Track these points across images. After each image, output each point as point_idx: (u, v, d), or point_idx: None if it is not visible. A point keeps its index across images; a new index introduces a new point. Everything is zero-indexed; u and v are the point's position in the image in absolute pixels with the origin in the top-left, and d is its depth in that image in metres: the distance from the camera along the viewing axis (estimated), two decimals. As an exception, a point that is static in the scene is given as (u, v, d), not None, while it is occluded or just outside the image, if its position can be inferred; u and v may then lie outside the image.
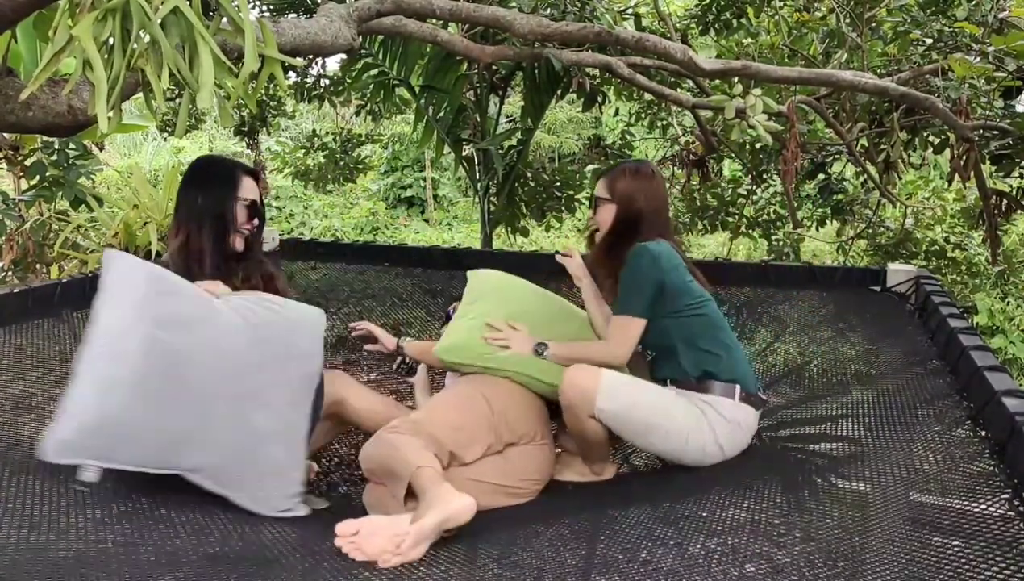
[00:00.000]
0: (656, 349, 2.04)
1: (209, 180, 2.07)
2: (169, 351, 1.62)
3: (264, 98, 5.63)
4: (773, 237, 5.24)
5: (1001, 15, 3.43)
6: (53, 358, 2.37)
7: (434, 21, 3.00)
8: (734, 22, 4.48)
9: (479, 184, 4.87)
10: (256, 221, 2.14)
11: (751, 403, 1.94)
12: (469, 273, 2.39)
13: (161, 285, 1.68)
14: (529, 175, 5.08)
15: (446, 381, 2.50)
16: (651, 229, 2.05)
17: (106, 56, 1.27)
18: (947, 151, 3.74)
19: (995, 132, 3.32)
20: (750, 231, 5.29)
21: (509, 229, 5.02)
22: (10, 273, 3.77)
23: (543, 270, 3.24)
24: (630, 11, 4.67)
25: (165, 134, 6.72)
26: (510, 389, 2.06)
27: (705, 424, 1.87)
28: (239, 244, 2.10)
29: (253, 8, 4.21)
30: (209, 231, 2.02)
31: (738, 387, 1.92)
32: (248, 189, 2.12)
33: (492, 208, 4.88)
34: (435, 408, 1.96)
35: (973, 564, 1.15)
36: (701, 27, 4.53)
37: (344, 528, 1.45)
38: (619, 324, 1.99)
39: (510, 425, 1.95)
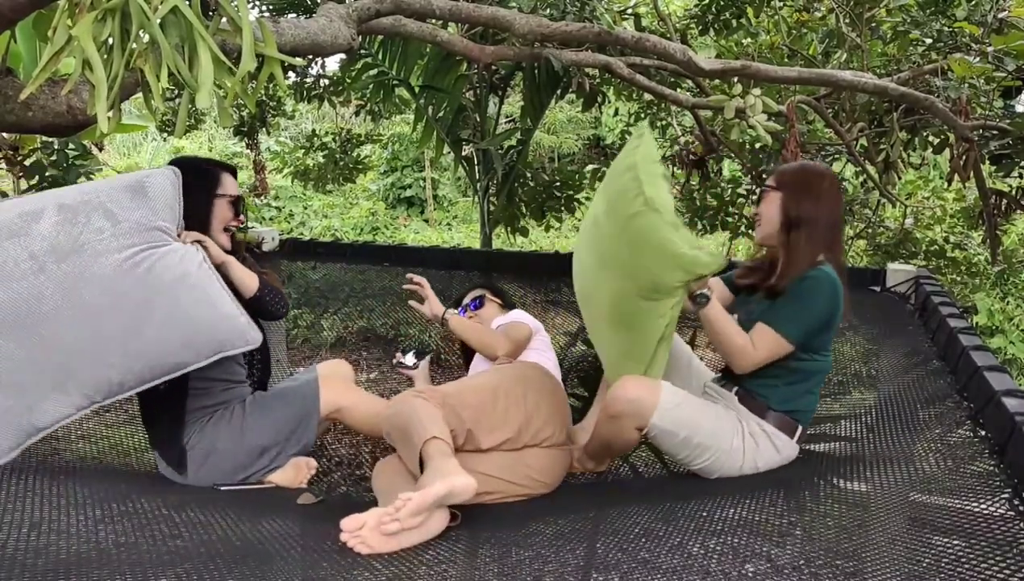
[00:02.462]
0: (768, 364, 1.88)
1: (190, 182, 2.00)
2: None
3: (263, 98, 5.62)
4: (773, 237, 5.22)
5: (1001, 15, 3.43)
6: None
7: (434, 21, 3.00)
8: (734, 22, 4.48)
9: (479, 184, 4.87)
10: (242, 217, 2.12)
11: (800, 440, 1.93)
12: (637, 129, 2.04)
13: None
14: (529, 175, 5.08)
15: (471, 370, 2.47)
16: (818, 238, 1.88)
17: (105, 56, 1.27)
18: (947, 151, 3.73)
19: (995, 132, 3.32)
20: (750, 231, 5.28)
21: (509, 229, 5.02)
22: (10, 273, 3.76)
23: (543, 270, 3.25)
24: (630, 11, 4.66)
25: (164, 134, 6.72)
26: (551, 388, 2.06)
27: (751, 447, 1.85)
28: (226, 242, 2.08)
29: (253, 8, 4.21)
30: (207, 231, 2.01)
31: (800, 428, 1.90)
32: (230, 186, 2.11)
33: (492, 208, 4.88)
34: (468, 385, 1.95)
35: (973, 564, 1.15)
36: (701, 27, 4.53)
37: (349, 523, 1.45)
38: (771, 339, 1.83)
39: (536, 425, 1.94)
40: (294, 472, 2.07)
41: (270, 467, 2.06)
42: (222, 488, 1.98)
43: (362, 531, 1.43)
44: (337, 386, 2.15)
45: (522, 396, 1.94)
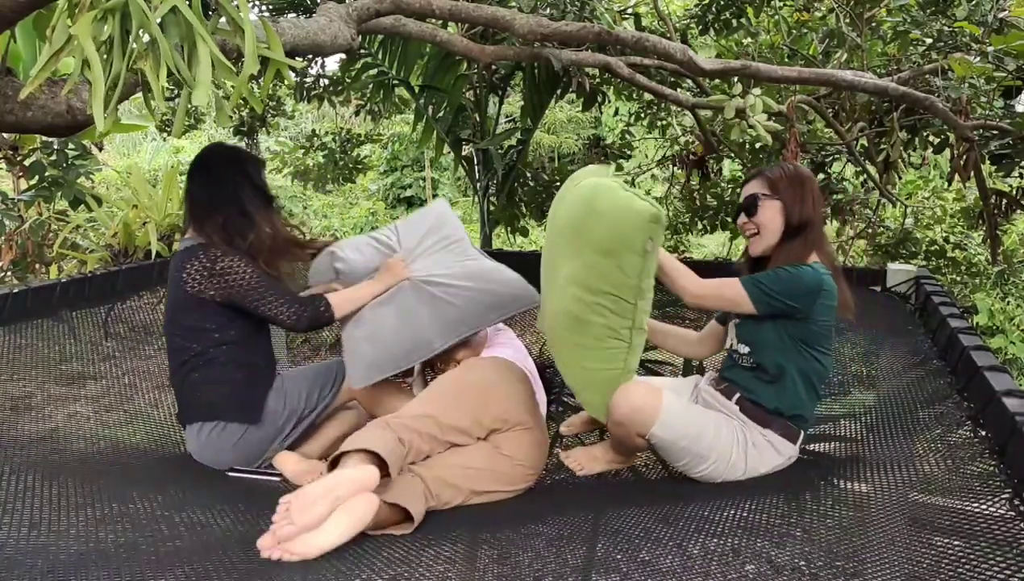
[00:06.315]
0: (764, 365, 1.87)
1: (252, 165, 2.07)
2: None
3: (263, 98, 5.63)
4: (773, 237, 5.21)
5: (1001, 15, 3.42)
6: (52, 358, 2.37)
7: (434, 21, 3.00)
8: (734, 22, 4.47)
9: (479, 184, 4.87)
10: None
11: (801, 444, 1.91)
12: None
13: None
14: (529, 175, 5.08)
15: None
16: (813, 240, 1.89)
17: (105, 56, 1.27)
18: (947, 151, 3.74)
19: (995, 132, 3.32)
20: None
21: (509, 229, 5.02)
22: (9, 273, 3.77)
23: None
24: (630, 11, 4.67)
25: (164, 134, 6.72)
26: (491, 375, 2.06)
27: (754, 455, 1.83)
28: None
29: (253, 8, 4.21)
30: (271, 216, 2.12)
31: (803, 433, 1.89)
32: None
33: (492, 208, 4.89)
34: (410, 404, 1.98)
35: (973, 564, 1.15)
36: (701, 27, 4.53)
37: (264, 541, 1.42)
38: (729, 283, 1.85)
39: (491, 412, 1.94)
40: (306, 468, 2.08)
41: (293, 435, 2.15)
42: (232, 474, 2.02)
43: (280, 544, 1.40)
44: (391, 389, 2.27)
45: (459, 392, 1.96)
